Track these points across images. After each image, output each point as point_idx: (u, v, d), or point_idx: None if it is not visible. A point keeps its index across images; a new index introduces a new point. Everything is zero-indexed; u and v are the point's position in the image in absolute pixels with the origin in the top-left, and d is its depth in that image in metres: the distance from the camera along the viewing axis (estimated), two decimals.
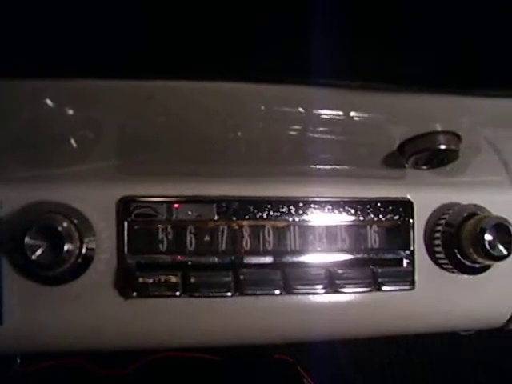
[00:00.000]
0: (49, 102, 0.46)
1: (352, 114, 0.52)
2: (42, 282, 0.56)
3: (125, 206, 0.58)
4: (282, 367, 1.14)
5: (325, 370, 1.14)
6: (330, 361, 1.21)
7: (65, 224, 0.54)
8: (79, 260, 0.55)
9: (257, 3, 0.41)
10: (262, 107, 0.49)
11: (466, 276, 0.66)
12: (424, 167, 0.57)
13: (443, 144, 0.53)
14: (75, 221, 0.55)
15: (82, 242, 0.55)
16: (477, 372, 1.22)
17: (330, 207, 0.63)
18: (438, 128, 0.53)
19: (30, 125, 0.50)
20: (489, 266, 0.65)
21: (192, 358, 1.06)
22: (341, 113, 0.52)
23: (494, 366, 1.22)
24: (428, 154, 0.54)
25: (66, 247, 0.53)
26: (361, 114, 0.52)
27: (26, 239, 0.52)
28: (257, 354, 1.13)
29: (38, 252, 0.52)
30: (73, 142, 0.53)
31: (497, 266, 0.65)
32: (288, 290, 0.59)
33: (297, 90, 0.46)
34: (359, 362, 1.23)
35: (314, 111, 0.51)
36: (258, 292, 0.59)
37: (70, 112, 0.48)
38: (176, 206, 0.59)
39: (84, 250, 0.55)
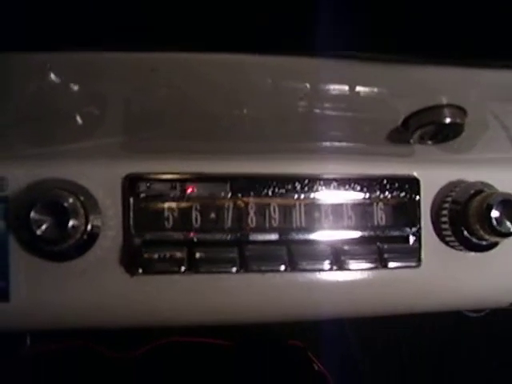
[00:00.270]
0: (53, 76, 0.46)
1: (358, 88, 0.52)
2: (48, 257, 0.57)
3: (130, 184, 0.59)
4: (291, 352, 1.14)
5: (334, 355, 1.14)
6: (340, 346, 1.21)
7: (70, 200, 0.54)
8: (84, 236, 0.56)
9: None
10: (269, 80, 0.49)
11: (473, 253, 0.65)
12: (429, 142, 0.57)
13: (448, 117, 0.53)
14: (81, 197, 0.55)
15: (87, 219, 0.55)
16: (489, 353, 1.21)
17: (336, 184, 0.63)
18: (443, 101, 0.53)
19: (34, 100, 0.50)
20: (496, 244, 0.65)
21: (202, 342, 1.07)
22: (346, 87, 0.51)
23: (507, 347, 1.22)
24: (433, 127, 0.54)
25: (71, 223, 0.53)
26: (366, 89, 0.52)
27: (32, 214, 0.52)
28: (267, 340, 1.14)
29: (44, 227, 0.53)
30: (78, 118, 0.53)
31: (504, 244, 0.65)
32: (293, 266, 0.59)
33: (303, 61, 0.46)
34: (368, 346, 1.23)
35: (320, 86, 0.51)
36: (263, 268, 0.59)
37: (75, 87, 0.48)
38: (181, 183, 0.59)
39: (89, 227, 0.56)
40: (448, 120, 0.53)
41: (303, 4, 0.43)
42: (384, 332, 1.22)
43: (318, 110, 0.55)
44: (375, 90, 0.52)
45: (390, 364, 1.23)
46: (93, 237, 0.57)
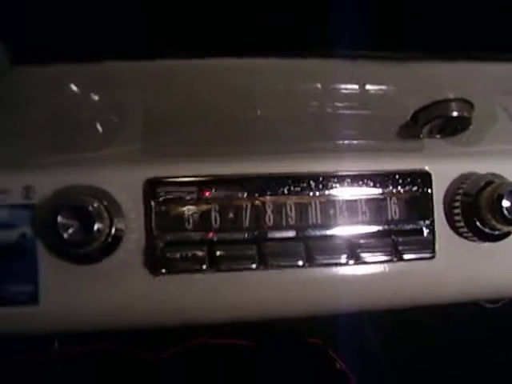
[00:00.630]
0: (74, 87, 0.48)
1: (367, 86, 0.53)
2: (74, 260, 0.59)
3: (151, 187, 0.61)
4: (312, 351, 1.15)
5: (355, 353, 1.15)
6: (360, 344, 1.22)
7: (95, 204, 0.56)
8: (109, 239, 0.58)
9: None
10: (281, 83, 0.51)
11: (486, 244, 0.67)
12: (438, 136, 0.58)
13: (455, 111, 0.54)
14: (105, 202, 0.57)
15: (111, 222, 0.57)
16: (509, 345, 1.22)
17: (350, 181, 0.64)
18: (450, 96, 0.54)
19: (57, 110, 0.52)
20: (509, 233, 0.66)
21: (226, 344, 1.09)
22: (356, 86, 0.53)
23: None
24: (441, 121, 0.56)
25: (96, 226, 0.55)
26: (376, 87, 0.54)
27: (59, 219, 0.54)
28: (287, 338, 1.15)
29: (70, 231, 0.55)
30: (99, 126, 0.55)
31: None
32: (311, 261, 0.61)
33: (313, 63, 0.48)
34: (388, 343, 1.24)
35: (331, 86, 0.53)
36: (282, 264, 0.61)
37: (95, 97, 0.50)
38: (200, 185, 0.61)
39: (113, 230, 0.58)
40: (455, 113, 0.55)
41: (311, 7, 0.44)
42: (404, 329, 1.23)
43: (329, 110, 0.57)
44: (384, 87, 0.54)
45: (411, 362, 1.24)
46: (117, 239, 0.59)
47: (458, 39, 0.47)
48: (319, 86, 0.52)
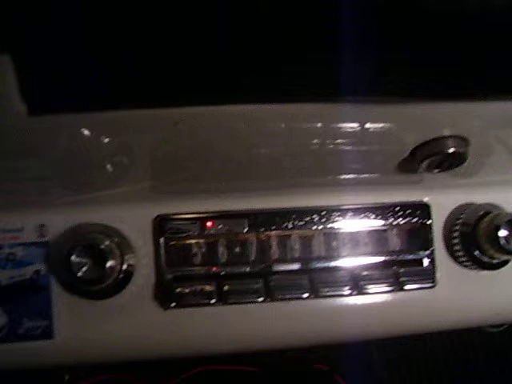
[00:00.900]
0: (86, 132, 0.51)
1: (367, 125, 0.55)
2: (88, 296, 0.61)
3: (160, 224, 0.63)
4: (320, 377, 1.16)
5: (361, 378, 1.16)
6: (366, 369, 1.23)
7: (107, 242, 0.58)
8: (121, 275, 0.60)
9: (275, 30, 0.45)
10: (282, 125, 0.53)
11: (485, 272, 0.68)
12: (436, 170, 0.60)
13: (452, 147, 0.56)
14: (116, 239, 0.60)
15: (122, 259, 0.59)
16: None
17: (352, 214, 0.66)
18: (446, 133, 0.56)
19: (69, 153, 0.54)
20: (507, 261, 0.68)
21: (232, 370, 1.10)
22: (357, 125, 0.55)
23: None
24: (438, 157, 0.57)
25: (108, 264, 0.58)
26: (375, 125, 0.55)
27: (72, 258, 0.57)
28: (294, 365, 1.16)
29: (84, 269, 0.57)
30: (109, 167, 0.57)
31: None
32: (315, 293, 0.63)
33: (314, 107, 0.50)
34: (395, 369, 1.25)
35: (332, 125, 0.55)
36: (288, 296, 0.63)
37: (105, 140, 0.52)
38: (207, 221, 0.63)
39: (125, 266, 0.60)
40: (452, 150, 0.57)
41: (312, 56, 0.46)
42: (410, 353, 1.24)
43: (330, 146, 0.59)
44: (383, 125, 0.56)
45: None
46: (128, 275, 0.61)
47: (453, 81, 0.49)
48: (320, 125, 0.54)
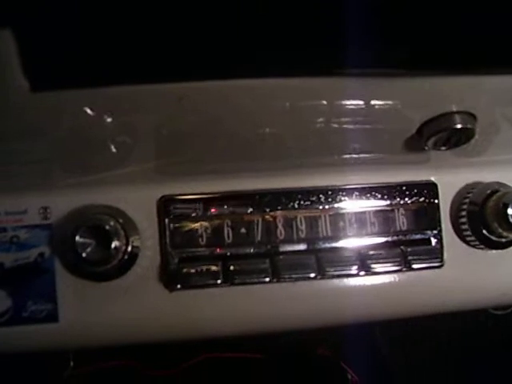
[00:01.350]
0: (88, 110, 0.50)
1: (373, 102, 0.55)
2: (92, 278, 0.61)
3: (165, 205, 0.62)
4: (324, 362, 1.16)
5: (365, 363, 1.15)
6: (372, 354, 1.23)
7: (111, 223, 0.58)
8: (125, 257, 0.59)
9: (281, 4, 0.44)
10: (287, 102, 0.53)
11: (493, 251, 0.68)
12: (443, 148, 0.59)
13: (459, 123, 0.56)
14: (120, 220, 0.59)
15: (127, 240, 0.59)
16: None
17: (358, 194, 0.66)
18: (454, 109, 0.56)
19: (71, 133, 0.54)
20: None
21: (235, 357, 1.10)
22: (362, 102, 0.55)
23: None
24: (445, 134, 0.57)
25: (113, 244, 0.57)
26: (381, 102, 0.55)
27: (77, 238, 0.56)
28: (297, 351, 1.16)
29: (88, 249, 0.57)
30: (112, 147, 0.57)
31: None
32: (322, 273, 0.62)
33: (319, 82, 0.50)
34: (400, 353, 1.25)
35: (337, 102, 0.54)
36: (294, 276, 0.62)
37: (109, 119, 0.52)
38: (212, 202, 0.63)
39: (130, 248, 0.59)
40: (459, 126, 0.56)
41: (315, 27, 0.46)
42: (415, 338, 1.23)
43: (336, 125, 0.58)
44: (389, 102, 0.55)
45: (423, 371, 1.24)
46: (133, 257, 0.61)
47: (459, 54, 0.49)
48: (325, 102, 0.54)
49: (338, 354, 1.15)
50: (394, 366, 1.23)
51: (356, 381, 1.13)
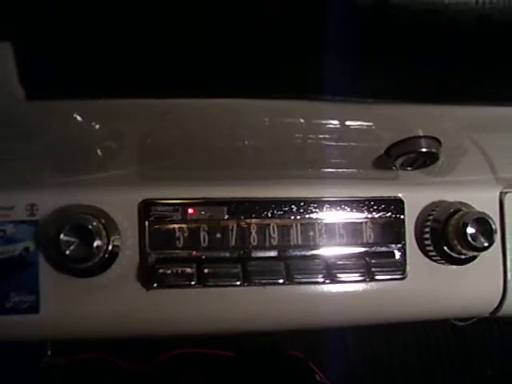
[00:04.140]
0: (78, 117, 0.53)
1: (347, 122, 0.58)
2: (74, 274, 0.64)
3: (145, 208, 0.66)
4: (294, 363, 1.18)
5: (336, 366, 1.18)
6: (341, 357, 1.25)
7: (94, 223, 0.61)
8: (106, 255, 0.62)
9: (261, 28, 0.47)
10: (266, 119, 0.56)
11: (454, 267, 0.72)
12: (409, 168, 0.63)
13: (424, 147, 0.59)
14: (103, 220, 0.62)
15: (108, 240, 0.62)
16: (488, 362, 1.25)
17: (329, 206, 0.69)
18: (420, 133, 0.59)
19: (60, 137, 0.57)
20: (474, 257, 0.71)
21: (207, 354, 1.13)
22: (337, 122, 0.58)
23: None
24: (412, 156, 0.60)
25: (95, 243, 0.60)
26: (354, 123, 0.58)
27: (61, 236, 0.59)
28: (269, 351, 1.19)
29: (72, 247, 0.60)
30: (99, 151, 0.59)
31: (482, 257, 0.72)
32: (291, 279, 0.66)
33: (297, 104, 0.53)
34: (369, 358, 1.28)
35: (314, 121, 0.58)
36: (264, 282, 0.66)
37: (97, 126, 0.55)
38: (190, 207, 0.67)
39: (110, 247, 0.63)
40: (424, 149, 0.59)
41: (298, 56, 0.49)
42: (386, 348, 1.27)
43: (312, 141, 0.61)
44: (362, 123, 0.58)
45: (391, 372, 1.28)
46: (113, 255, 0.64)
47: (425, 87, 0.52)
48: (302, 121, 0.57)
49: (310, 356, 1.17)
50: (362, 369, 1.26)
51: (324, 382, 1.15)
